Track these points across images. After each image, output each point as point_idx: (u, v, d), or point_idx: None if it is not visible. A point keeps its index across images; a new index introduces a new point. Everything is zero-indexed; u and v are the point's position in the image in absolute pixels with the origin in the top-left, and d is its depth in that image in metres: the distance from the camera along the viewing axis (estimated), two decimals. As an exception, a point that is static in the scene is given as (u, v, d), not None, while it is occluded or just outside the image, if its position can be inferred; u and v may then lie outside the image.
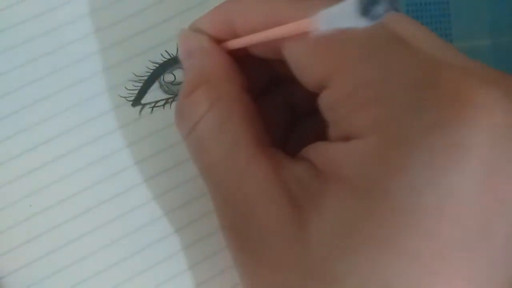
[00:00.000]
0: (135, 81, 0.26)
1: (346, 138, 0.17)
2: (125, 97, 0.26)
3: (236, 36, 0.21)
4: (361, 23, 0.14)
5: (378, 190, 0.16)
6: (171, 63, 0.26)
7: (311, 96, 0.19)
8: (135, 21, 0.26)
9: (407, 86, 0.16)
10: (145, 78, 0.26)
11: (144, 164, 0.25)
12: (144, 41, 0.26)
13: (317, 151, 0.18)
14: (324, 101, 0.18)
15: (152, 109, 0.26)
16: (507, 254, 0.17)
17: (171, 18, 0.26)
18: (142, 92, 0.26)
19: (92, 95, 0.26)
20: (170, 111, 0.26)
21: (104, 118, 0.26)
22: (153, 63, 0.26)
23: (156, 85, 0.26)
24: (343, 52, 0.18)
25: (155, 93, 0.26)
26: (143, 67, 0.26)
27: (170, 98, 0.26)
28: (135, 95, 0.26)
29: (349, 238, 0.16)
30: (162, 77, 0.26)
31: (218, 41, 0.21)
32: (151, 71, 0.26)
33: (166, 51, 0.26)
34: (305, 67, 0.19)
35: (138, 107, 0.26)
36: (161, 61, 0.26)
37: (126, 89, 0.26)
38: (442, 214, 0.16)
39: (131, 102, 0.26)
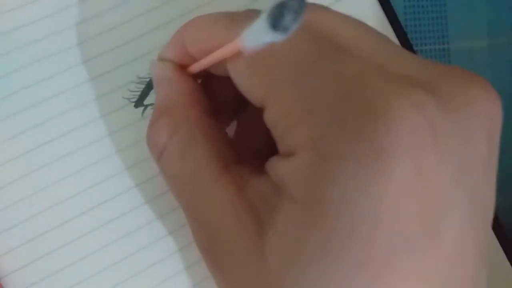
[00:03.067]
0: (138, 83, 0.26)
1: (288, 154, 0.18)
2: (128, 98, 0.26)
3: (193, 59, 0.22)
4: (276, 37, 0.14)
5: (316, 203, 0.17)
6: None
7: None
8: (138, 23, 0.27)
9: (332, 99, 0.17)
10: (148, 79, 0.26)
11: (146, 164, 0.25)
12: (147, 43, 0.26)
13: (272, 166, 0.19)
14: (266, 120, 0.19)
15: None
16: (459, 249, 0.17)
17: (175, 19, 0.27)
18: (145, 93, 0.26)
19: (95, 97, 0.26)
20: (172, 112, 0.26)
21: (107, 119, 0.26)
22: (155, 64, 0.26)
23: (158, 86, 0.26)
24: (276, 70, 0.18)
25: (157, 94, 0.26)
26: (146, 69, 0.26)
27: (172, 99, 0.26)
28: (137, 96, 0.26)
29: (298, 251, 0.17)
30: (164, 78, 0.26)
31: (183, 66, 0.22)
32: (154, 72, 0.26)
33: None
34: (245, 87, 0.19)
35: (141, 108, 0.26)
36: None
37: (129, 90, 0.26)
38: (376, 220, 0.16)
39: (133, 103, 0.26)
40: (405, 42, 0.27)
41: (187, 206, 0.21)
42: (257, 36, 0.15)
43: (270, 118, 0.19)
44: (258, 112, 0.19)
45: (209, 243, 0.20)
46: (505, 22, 0.28)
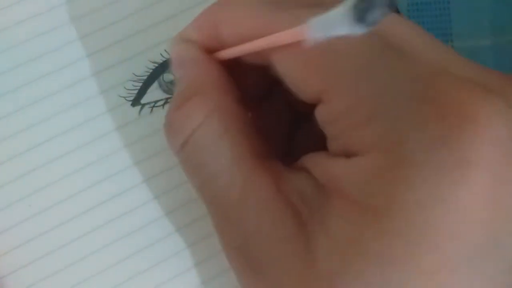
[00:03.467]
0: (135, 81, 0.26)
1: (347, 154, 0.17)
2: (124, 97, 0.26)
3: (223, 43, 0.20)
4: (357, 29, 0.13)
5: (385, 208, 0.16)
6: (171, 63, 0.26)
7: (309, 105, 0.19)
8: (135, 20, 0.26)
9: (405, 100, 0.16)
10: (145, 77, 0.26)
11: (144, 164, 0.25)
12: (144, 41, 0.26)
13: (317, 163, 0.18)
14: (321, 115, 0.18)
15: (152, 109, 0.26)
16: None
17: (171, 17, 0.26)
18: (142, 92, 0.26)
19: (91, 95, 0.26)
20: (169, 111, 0.26)
21: (104, 118, 0.25)
22: (152, 62, 0.26)
23: (155, 85, 0.26)
24: (337, 65, 0.17)
25: (154, 93, 0.26)
26: (143, 67, 0.26)
27: (169, 98, 0.26)
28: (134, 95, 0.26)
29: (357, 257, 0.16)
30: (161, 76, 0.26)
31: (209, 49, 0.21)
32: (151, 70, 0.26)
33: (165, 50, 0.26)
34: (297, 80, 0.18)
35: (138, 107, 0.26)
36: (161, 61, 0.26)
37: (126, 89, 0.26)
38: (451, 230, 0.16)
39: (130, 102, 0.26)
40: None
41: (215, 201, 0.19)
42: (330, 26, 0.14)
43: (327, 114, 0.18)
44: (277, 107, 0.18)
45: (241, 241, 0.19)
46: (509, 20, 0.28)
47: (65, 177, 0.25)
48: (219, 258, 0.25)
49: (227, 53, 0.20)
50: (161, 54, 0.26)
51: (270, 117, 0.23)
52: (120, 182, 0.25)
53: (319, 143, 0.19)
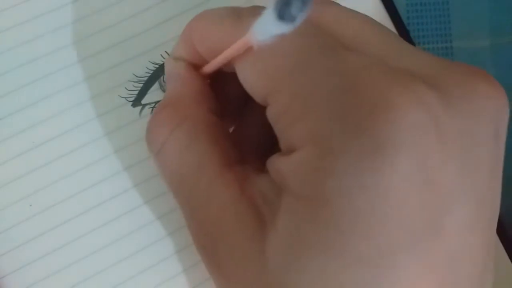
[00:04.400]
0: (135, 82, 0.26)
1: (290, 151, 0.18)
2: (125, 98, 0.26)
3: (202, 58, 0.21)
4: (284, 28, 0.14)
5: (317, 198, 0.16)
6: None
7: None
8: (135, 22, 0.26)
9: (332, 95, 0.17)
10: (145, 78, 0.26)
11: (144, 164, 0.25)
12: (144, 42, 0.26)
13: (272, 163, 0.19)
14: (269, 116, 0.19)
15: (152, 110, 0.26)
16: (464, 244, 0.17)
17: (171, 18, 0.26)
18: (142, 92, 0.26)
19: (92, 96, 0.26)
20: (170, 111, 0.26)
21: (105, 119, 0.26)
22: (153, 63, 0.26)
23: (156, 85, 0.26)
24: (277, 67, 0.18)
25: (155, 94, 0.26)
26: (143, 68, 0.26)
27: (170, 98, 0.26)
28: (135, 95, 0.26)
29: (299, 250, 0.17)
30: (162, 77, 0.26)
31: (196, 65, 0.22)
32: (151, 71, 0.26)
33: (166, 51, 0.26)
34: (249, 84, 0.19)
35: (138, 108, 0.26)
36: (161, 62, 0.26)
37: (126, 89, 0.26)
38: (379, 215, 0.16)
39: (131, 103, 0.26)
40: (407, 41, 0.26)
41: (186, 203, 0.21)
42: (265, 29, 0.15)
43: (272, 114, 0.18)
44: (261, 111, 0.19)
45: (208, 242, 0.20)
46: (508, 21, 0.28)
47: (65, 177, 0.25)
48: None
49: (207, 68, 0.21)
50: (161, 55, 0.26)
51: (253, 124, 0.24)
52: (120, 182, 0.25)
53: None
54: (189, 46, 0.21)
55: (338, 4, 0.20)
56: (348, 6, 0.20)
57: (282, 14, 0.14)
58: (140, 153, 0.25)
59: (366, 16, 0.19)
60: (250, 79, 0.19)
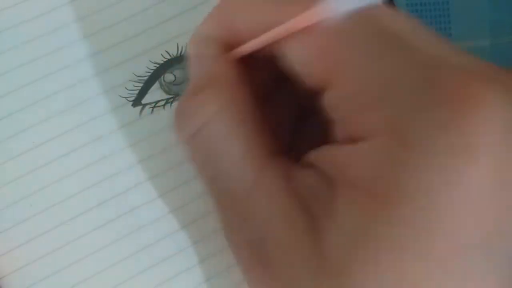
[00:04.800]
0: (136, 81, 0.26)
1: (353, 140, 0.17)
2: (125, 97, 0.26)
3: (240, 38, 0.20)
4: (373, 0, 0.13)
5: (394, 193, 0.16)
6: (172, 63, 0.26)
7: (315, 95, 0.19)
8: (136, 21, 0.26)
9: (412, 86, 0.16)
10: (146, 78, 0.26)
11: (144, 164, 0.25)
12: (145, 41, 0.26)
13: (323, 156, 0.18)
14: (328, 101, 0.18)
15: (153, 109, 0.26)
16: None
17: (172, 18, 0.26)
18: (143, 92, 0.26)
19: (92, 95, 0.26)
20: (170, 111, 0.26)
21: (105, 118, 0.26)
22: (153, 63, 0.26)
23: (156, 85, 0.26)
24: (344, 50, 0.17)
25: (155, 94, 0.26)
26: (144, 67, 0.26)
27: (170, 98, 0.26)
28: (135, 95, 0.26)
29: (367, 244, 0.16)
30: (162, 77, 0.26)
31: (227, 46, 0.21)
32: (152, 71, 0.26)
33: (166, 51, 0.26)
34: (306, 66, 0.18)
35: (139, 108, 0.26)
36: (162, 61, 0.26)
37: (127, 89, 0.26)
38: (461, 214, 0.15)
39: (131, 102, 0.26)
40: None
41: (224, 194, 0.19)
42: (347, 1, 0.14)
43: (334, 98, 0.17)
44: (283, 102, 0.19)
45: (251, 237, 0.19)
46: (508, 21, 0.28)
47: (66, 177, 0.25)
48: (220, 257, 0.25)
49: (244, 48, 0.20)
50: (162, 55, 0.26)
51: (276, 113, 0.22)
52: (121, 182, 0.25)
53: (324, 138, 0.19)
54: (223, 23, 0.20)
55: (394, 8, 0.19)
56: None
57: None
58: (141, 153, 0.25)
59: (411, 16, 0.19)
60: (308, 59, 0.18)
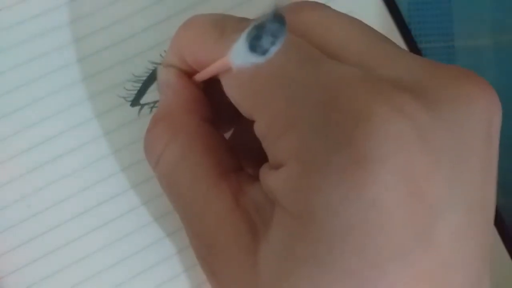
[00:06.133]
0: (134, 81, 0.26)
1: (276, 166, 0.18)
2: (124, 97, 0.26)
3: (193, 67, 0.21)
4: (256, 59, 0.14)
5: (305, 213, 0.17)
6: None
7: None
8: (134, 21, 0.26)
9: (314, 109, 0.17)
10: (144, 78, 0.26)
11: (144, 164, 0.25)
12: (143, 41, 0.26)
13: (262, 175, 0.19)
14: (256, 132, 0.19)
15: (151, 109, 0.26)
16: (456, 253, 0.17)
17: (170, 17, 0.26)
18: (141, 92, 0.26)
19: (91, 95, 0.26)
20: (169, 111, 0.26)
21: (103, 118, 0.25)
22: (152, 63, 0.26)
23: (155, 85, 0.26)
24: (261, 83, 0.18)
25: (154, 93, 0.26)
26: (142, 67, 0.26)
27: (169, 98, 0.26)
28: (134, 95, 0.26)
29: (290, 264, 0.17)
30: (161, 77, 0.26)
31: (189, 73, 0.22)
32: (150, 71, 0.26)
33: (165, 51, 0.26)
34: (236, 101, 0.19)
35: (137, 107, 0.26)
36: (160, 61, 0.26)
37: (125, 89, 0.26)
38: (365, 228, 0.16)
39: (130, 102, 0.26)
40: (409, 39, 0.27)
41: (183, 215, 0.21)
42: (240, 57, 0.15)
43: (258, 130, 0.19)
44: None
45: (205, 252, 0.20)
46: (511, 20, 0.28)
47: (64, 177, 0.25)
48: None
49: (198, 77, 0.21)
50: (160, 55, 0.26)
51: (249, 130, 0.23)
52: (120, 182, 0.25)
53: None
54: (179, 54, 0.22)
55: (324, 7, 0.20)
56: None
57: (254, 46, 0.14)
58: (139, 153, 0.25)
59: (353, 18, 0.19)
60: (235, 96, 0.19)
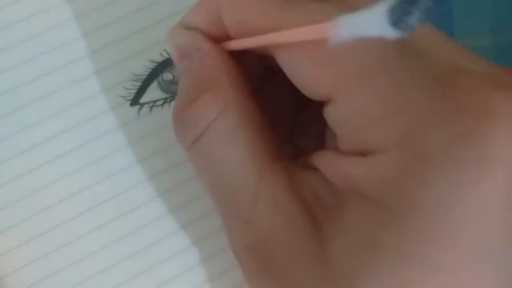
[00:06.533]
0: (134, 80, 0.26)
1: (362, 153, 0.17)
2: (123, 97, 0.26)
3: (225, 31, 0.19)
4: (390, 33, 0.12)
5: (405, 206, 0.16)
6: (170, 62, 0.26)
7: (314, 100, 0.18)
8: (134, 19, 0.26)
9: (424, 97, 0.16)
10: (144, 77, 0.26)
11: (143, 163, 0.25)
12: (143, 40, 0.26)
13: (328, 163, 0.18)
14: (332, 114, 0.17)
15: (151, 109, 0.26)
16: None
17: (170, 16, 0.26)
18: (141, 91, 0.26)
19: (90, 95, 0.25)
20: (169, 110, 0.26)
21: (103, 118, 0.25)
22: (152, 62, 0.26)
23: (154, 84, 0.26)
24: (350, 62, 0.17)
25: (153, 93, 0.26)
26: (142, 66, 0.26)
27: (168, 97, 0.26)
28: (133, 94, 0.26)
29: (373, 255, 0.16)
30: (161, 76, 0.26)
31: (213, 38, 0.20)
32: (150, 70, 0.26)
33: (165, 50, 0.26)
34: (306, 78, 0.17)
35: (137, 107, 0.26)
36: (160, 60, 0.26)
37: (125, 88, 0.26)
38: (470, 228, 0.15)
39: (129, 102, 0.26)
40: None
41: (227, 199, 0.19)
42: (360, 26, 0.13)
43: (339, 113, 0.17)
44: (275, 91, 0.18)
45: (255, 241, 0.18)
46: (510, 20, 0.27)
47: (64, 177, 0.25)
48: (220, 257, 0.25)
49: (233, 45, 0.19)
50: (160, 54, 0.26)
51: (270, 105, 0.21)
52: (119, 182, 0.25)
53: (317, 141, 0.19)
54: (210, 14, 0.19)
55: None
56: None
57: (397, 21, 0.12)
58: (139, 152, 0.25)
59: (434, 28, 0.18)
60: (309, 72, 0.17)
